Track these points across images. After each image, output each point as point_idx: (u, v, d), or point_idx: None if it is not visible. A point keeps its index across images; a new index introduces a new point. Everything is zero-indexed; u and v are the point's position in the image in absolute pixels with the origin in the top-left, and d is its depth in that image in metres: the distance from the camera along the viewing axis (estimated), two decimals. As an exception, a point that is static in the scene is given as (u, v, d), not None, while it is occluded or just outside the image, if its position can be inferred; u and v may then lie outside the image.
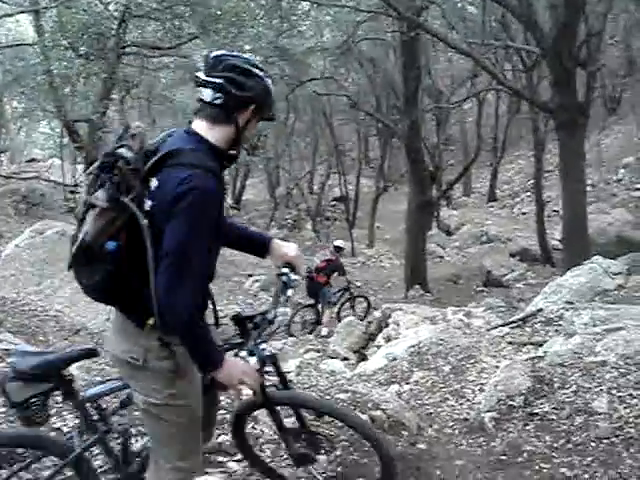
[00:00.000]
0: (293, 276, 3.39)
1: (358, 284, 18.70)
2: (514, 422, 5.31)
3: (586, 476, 4.41)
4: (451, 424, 5.63)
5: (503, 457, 4.81)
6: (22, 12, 18.83)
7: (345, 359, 9.56)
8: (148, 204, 2.73)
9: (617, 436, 4.82)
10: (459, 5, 24.96)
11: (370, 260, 26.45)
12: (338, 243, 15.67)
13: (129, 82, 20.75)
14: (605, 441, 4.79)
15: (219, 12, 17.37)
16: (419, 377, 6.74)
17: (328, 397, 4.91)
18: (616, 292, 10.01)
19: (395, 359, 7.51)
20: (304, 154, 37.94)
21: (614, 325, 6.81)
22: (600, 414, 5.10)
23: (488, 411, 5.49)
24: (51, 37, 17.55)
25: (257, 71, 2.90)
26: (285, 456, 4.05)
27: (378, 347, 9.15)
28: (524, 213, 30.60)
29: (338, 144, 33.33)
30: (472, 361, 7.00)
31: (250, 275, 20.21)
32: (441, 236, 27.95)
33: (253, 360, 3.06)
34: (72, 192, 23.98)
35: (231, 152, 2.93)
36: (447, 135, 36.04)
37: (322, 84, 25.54)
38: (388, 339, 9.19)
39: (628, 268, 11.09)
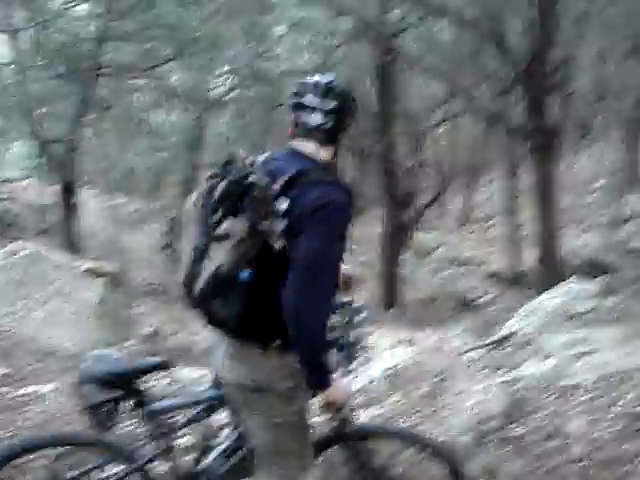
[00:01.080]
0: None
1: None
2: (489, 446, 5.31)
3: (561, 499, 4.43)
4: (427, 448, 5.61)
5: (479, 481, 4.82)
6: (-1, 32, 18.78)
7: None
8: (281, 226, 2.77)
9: (591, 459, 4.84)
10: (434, 29, 25.21)
11: (346, 282, 26.38)
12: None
13: (105, 103, 20.70)
14: (580, 464, 4.81)
15: (196, 34, 17.40)
16: (395, 400, 6.73)
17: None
18: (591, 314, 10.07)
19: (372, 382, 7.49)
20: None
21: (588, 347, 6.85)
22: (574, 437, 5.13)
23: (462, 435, 5.50)
24: (27, 57, 17.53)
25: (353, 94, 3.07)
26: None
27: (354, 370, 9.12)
28: (498, 236, 30.77)
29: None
30: (447, 384, 7.00)
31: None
32: (416, 259, 28.02)
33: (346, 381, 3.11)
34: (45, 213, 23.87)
35: (336, 168, 3.07)
36: (422, 158, 36.23)
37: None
38: (364, 361, 9.16)
39: (603, 290, 11.17)
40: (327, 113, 2.95)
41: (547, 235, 14.74)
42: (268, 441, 3.06)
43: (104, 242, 22.46)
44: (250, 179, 2.76)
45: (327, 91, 2.95)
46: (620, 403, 5.41)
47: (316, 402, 2.97)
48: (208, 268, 2.78)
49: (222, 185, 2.82)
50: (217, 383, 3.30)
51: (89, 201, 24.27)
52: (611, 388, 5.67)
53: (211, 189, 2.86)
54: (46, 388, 5.43)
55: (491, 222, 33.66)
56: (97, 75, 18.09)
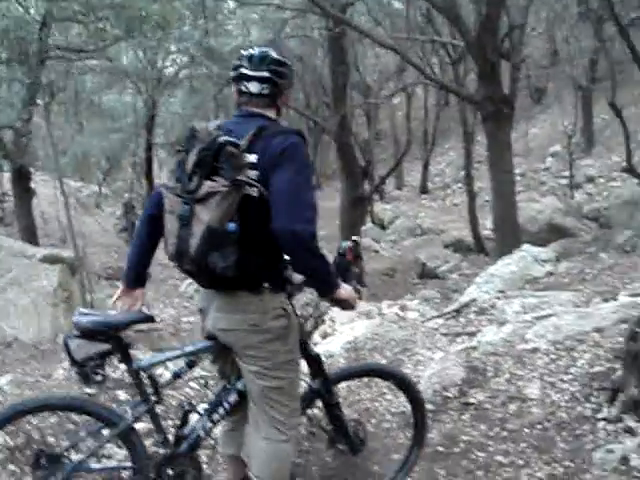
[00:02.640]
0: None
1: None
2: (450, 413, 5.37)
3: (521, 462, 4.48)
4: (388, 418, 5.65)
5: (440, 448, 4.86)
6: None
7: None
8: (253, 174, 3.04)
9: (549, 421, 4.91)
10: (384, 1, 25.16)
11: (306, 257, 26.43)
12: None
13: (54, 87, 20.37)
14: (538, 427, 4.88)
15: (144, 14, 17.15)
16: (356, 373, 6.76)
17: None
18: (546, 279, 10.21)
19: (332, 356, 7.53)
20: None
21: (544, 312, 6.95)
22: (533, 400, 5.20)
23: (425, 403, 5.54)
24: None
25: (287, 60, 3.31)
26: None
27: (315, 345, 9.17)
28: (456, 204, 31.00)
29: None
30: (408, 354, 7.06)
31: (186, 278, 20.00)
32: (375, 230, 28.11)
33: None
34: (0, 201, 23.52)
35: None
36: (377, 130, 36.28)
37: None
38: (324, 336, 9.21)
39: (557, 255, 11.33)
40: (262, 81, 3.22)
41: (502, 202, 14.84)
42: (269, 384, 3.23)
43: (60, 228, 22.21)
44: (219, 140, 3.00)
45: (260, 62, 3.22)
46: (576, 365, 5.49)
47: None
48: (199, 228, 2.97)
49: (193, 154, 3.04)
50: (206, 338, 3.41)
51: (43, 187, 23.98)
52: (567, 351, 5.75)
53: (181, 162, 3.11)
54: (2, 380, 5.35)
55: (449, 191, 33.89)
56: (45, 58, 17.75)
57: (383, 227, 29.24)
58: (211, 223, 2.94)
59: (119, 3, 16.87)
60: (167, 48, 22.29)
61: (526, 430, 4.88)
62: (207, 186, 2.97)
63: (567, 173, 27.53)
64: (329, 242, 27.13)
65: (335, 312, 9.96)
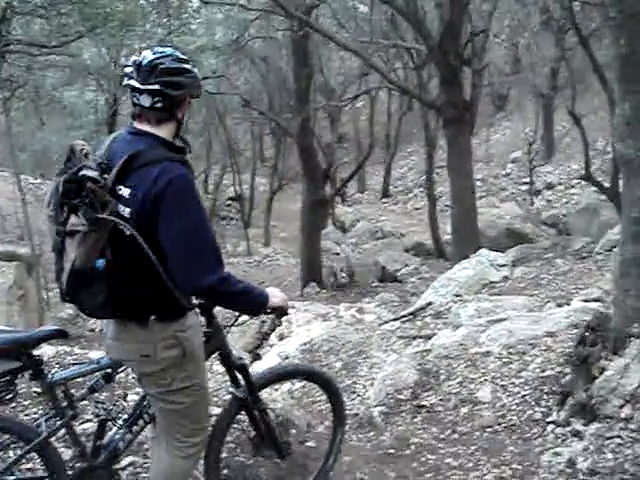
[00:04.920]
0: None
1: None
2: (402, 415, 5.40)
3: (470, 465, 4.53)
4: (341, 420, 5.67)
5: (391, 450, 4.89)
6: None
7: (239, 359, 9.50)
8: (126, 212, 2.84)
9: (500, 424, 4.97)
10: (349, 4, 25.22)
11: (266, 259, 26.41)
12: None
13: (14, 82, 20.09)
14: (489, 430, 4.94)
15: (107, 11, 16.98)
16: (311, 375, 6.77)
17: (216, 398, 4.87)
18: (502, 284, 10.32)
19: (287, 357, 7.53)
20: (198, 154, 37.56)
21: (498, 316, 7.01)
22: (484, 403, 5.25)
23: (377, 405, 5.57)
24: None
25: (186, 65, 3.02)
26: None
27: (272, 346, 9.15)
28: (417, 208, 31.12)
29: (232, 143, 33.14)
30: (363, 356, 7.09)
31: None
32: (336, 233, 28.10)
33: None
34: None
35: (180, 145, 3.06)
36: (340, 133, 36.33)
37: (214, 83, 25.34)
38: (281, 338, 9.19)
39: (513, 260, 11.44)
40: (153, 94, 2.93)
41: (462, 207, 14.93)
42: (165, 410, 3.19)
43: (18, 225, 21.93)
44: (81, 173, 2.80)
45: (149, 71, 2.92)
46: (528, 369, 5.55)
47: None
48: (67, 264, 2.83)
49: (61, 183, 2.85)
50: None
51: (2, 183, 23.69)
52: (519, 355, 5.81)
53: (56, 187, 2.89)
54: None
55: (410, 195, 34.03)
56: (5, 52, 17.49)
57: (344, 230, 29.25)
58: (75, 263, 2.80)
59: (81, -1, 16.70)
60: (130, 45, 22.07)
61: (477, 433, 4.93)
62: (70, 222, 2.82)
63: (527, 180, 27.80)
64: (290, 244, 27.24)
65: (292, 313, 9.97)
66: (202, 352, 3.22)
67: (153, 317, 2.98)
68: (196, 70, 3.11)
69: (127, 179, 2.84)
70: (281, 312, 3.31)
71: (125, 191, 2.84)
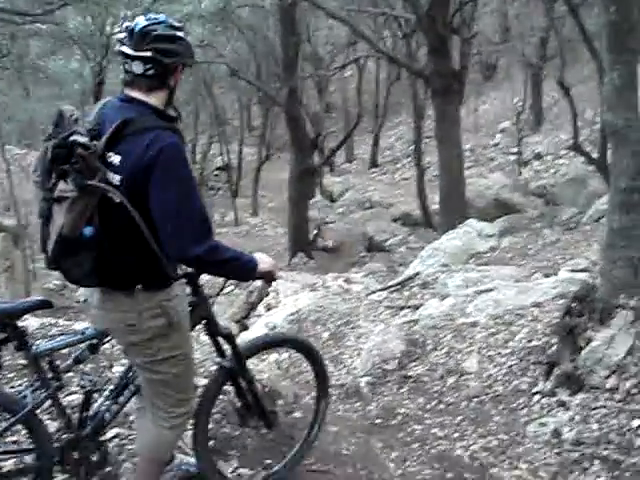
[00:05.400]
0: None
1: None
2: (389, 385, 5.41)
3: (456, 435, 4.54)
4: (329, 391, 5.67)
5: (378, 420, 4.90)
6: None
7: (226, 329, 9.50)
8: (116, 179, 2.79)
9: (486, 394, 4.98)
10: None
11: (254, 229, 26.37)
12: None
13: (-2, 51, 19.87)
14: (475, 400, 4.95)
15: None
16: (298, 345, 6.76)
17: (202, 369, 4.85)
18: (489, 254, 10.31)
19: (275, 327, 7.52)
20: (185, 123, 37.32)
21: (485, 286, 7.01)
22: (471, 374, 5.27)
23: (364, 376, 5.58)
24: None
25: (179, 33, 2.97)
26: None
27: (259, 316, 9.15)
28: (405, 178, 31.02)
29: (219, 113, 32.94)
30: (350, 326, 7.09)
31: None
32: (324, 203, 28.05)
33: None
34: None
35: (171, 114, 3.02)
36: (328, 102, 36.13)
37: (201, 52, 25.11)
38: (268, 308, 9.19)
39: (500, 230, 11.44)
40: (145, 61, 2.88)
41: (449, 177, 14.90)
42: (150, 380, 3.18)
43: (3, 196, 21.77)
44: (72, 139, 2.74)
45: (142, 38, 2.86)
46: (515, 339, 5.55)
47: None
48: (53, 230, 2.79)
49: (50, 148, 2.80)
50: None
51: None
52: (506, 325, 5.82)
53: (45, 152, 2.83)
54: None
55: (399, 165, 33.95)
56: (-12, 21, 17.28)
57: (332, 200, 29.18)
58: (63, 230, 2.76)
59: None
60: (116, 14, 21.80)
61: (463, 403, 4.94)
62: (59, 189, 2.77)
63: (515, 149, 27.73)
64: (278, 214, 27.17)
65: (280, 283, 9.95)
66: (188, 322, 3.20)
67: (139, 286, 2.95)
68: (187, 38, 3.04)
69: (117, 146, 2.80)
70: (270, 277, 3.28)
71: (115, 158, 2.80)
